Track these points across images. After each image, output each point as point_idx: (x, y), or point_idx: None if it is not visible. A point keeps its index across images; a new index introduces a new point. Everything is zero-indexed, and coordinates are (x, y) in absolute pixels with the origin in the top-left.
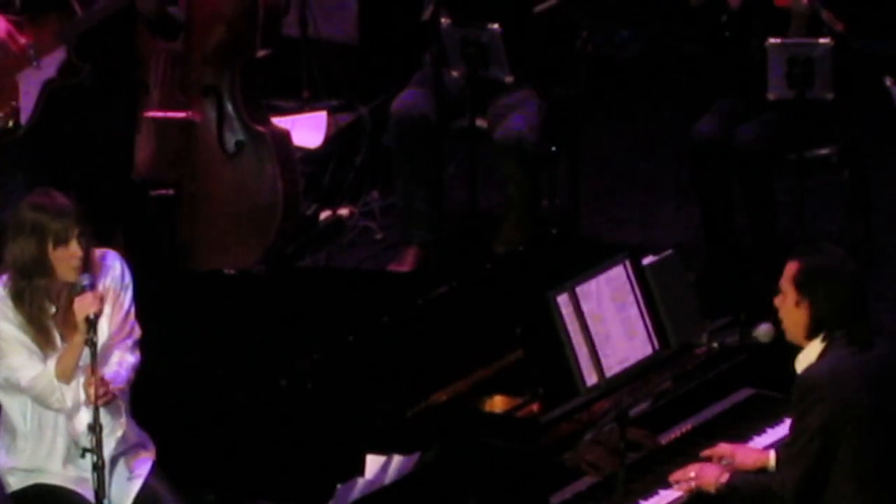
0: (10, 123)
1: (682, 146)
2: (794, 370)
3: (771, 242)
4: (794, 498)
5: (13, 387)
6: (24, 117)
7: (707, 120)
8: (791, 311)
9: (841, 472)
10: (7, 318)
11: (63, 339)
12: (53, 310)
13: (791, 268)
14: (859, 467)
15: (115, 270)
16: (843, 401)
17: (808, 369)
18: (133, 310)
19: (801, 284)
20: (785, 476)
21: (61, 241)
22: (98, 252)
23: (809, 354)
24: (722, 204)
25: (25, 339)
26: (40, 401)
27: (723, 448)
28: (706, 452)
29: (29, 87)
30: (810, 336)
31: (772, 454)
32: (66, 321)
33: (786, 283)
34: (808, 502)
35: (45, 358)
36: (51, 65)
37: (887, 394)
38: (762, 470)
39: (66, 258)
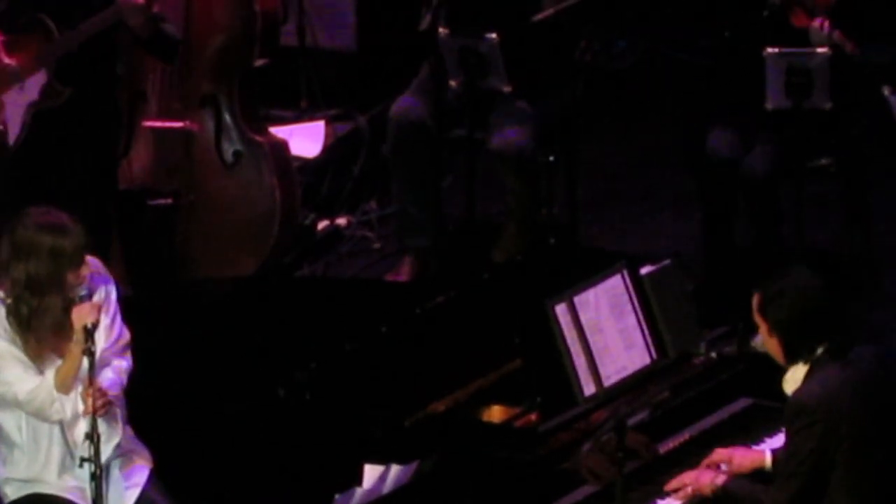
0: None
1: (680, 156)
2: (782, 391)
3: (774, 254)
4: None
5: (9, 402)
6: (10, 138)
7: (720, 136)
8: (768, 340)
9: (835, 489)
10: None
11: (55, 352)
12: (47, 322)
13: (755, 300)
14: (853, 480)
15: (104, 279)
16: (835, 418)
17: (799, 391)
18: (119, 313)
19: (763, 312)
20: (777, 495)
21: (77, 263)
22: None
23: (796, 374)
24: (726, 215)
25: (18, 353)
26: (39, 413)
27: (719, 453)
28: (704, 462)
29: (14, 109)
30: (789, 361)
31: (768, 454)
32: (58, 333)
33: (756, 315)
34: None
35: (38, 371)
36: (34, 87)
37: (877, 403)
38: (759, 470)
39: (76, 277)
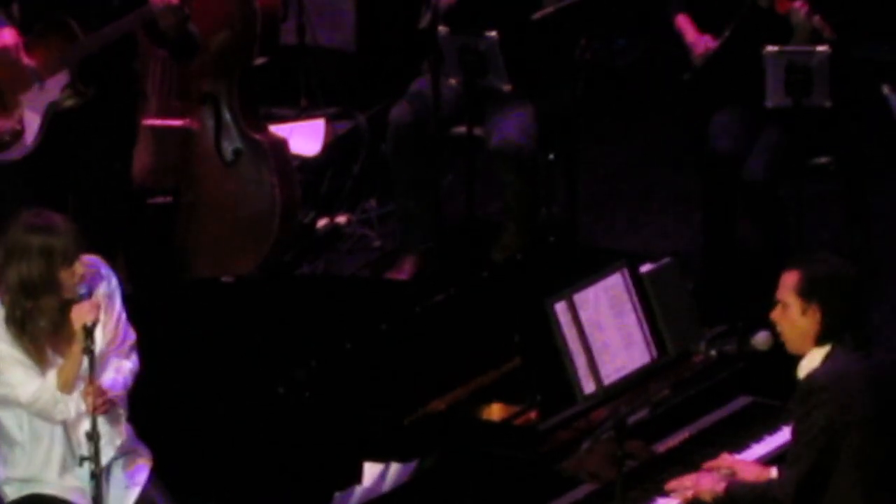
0: (16, 143)
1: (680, 154)
2: (795, 377)
3: (781, 255)
4: (794, 500)
5: (11, 403)
6: (28, 138)
7: (720, 135)
8: (796, 321)
9: (842, 476)
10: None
11: (55, 352)
12: (42, 324)
13: (791, 278)
14: (861, 470)
15: (103, 277)
16: (847, 403)
17: (813, 372)
18: (124, 314)
19: (805, 292)
20: (785, 478)
21: (69, 261)
22: (84, 260)
23: (812, 360)
24: (728, 214)
25: (19, 355)
26: (43, 415)
27: (724, 460)
28: (709, 465)
29: (33, 108)
30: (820, 342)
31: (773, 471)
32: (58, 334)
33: (787, 294)
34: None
35: (40, 372)
36: (54, 87)
37: (889, 398)
38: None
39: (71, 276)
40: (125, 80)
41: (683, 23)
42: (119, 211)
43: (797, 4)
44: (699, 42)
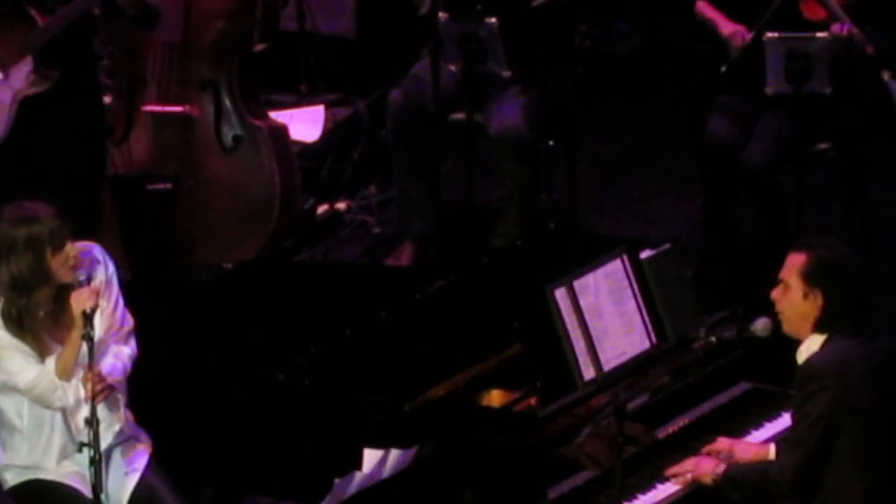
0: None
1: (681, 140)
2: (794, 362)
3: (781, 241)
4: (793, 484)
5: (11, 390)
6: None
7: (719, 121)
8: (798, 303)
9: (841, 460)
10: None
11: (54, 339)
12: (41, 313)
13: (797, 260)
14: (859, 455)
15: (101, 263)
16: (845, 389)
17: (812, 357)
18: (122, 299)
19: (811, 276)
20: (784, 462)
21: (58, 246)
22: (79, 246)
23: (811, 345)
24: (727, 200)
25: (19, 343)
26: (42, 401)
27: (721, 443)
28: (705, 449)
29: (0, 98)
30: (819, 329)
31: (771, 448)
32: (56, 322)
33: (791, 275)
34: (807, 489)
35: (40, 360)
36: (19, 75)
37: (889, 384)
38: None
39: (64, 261)
40: (86, 60)
41: (710, 12)
42: (97, 193)
43: (837, 28)
44: (736, 34)
